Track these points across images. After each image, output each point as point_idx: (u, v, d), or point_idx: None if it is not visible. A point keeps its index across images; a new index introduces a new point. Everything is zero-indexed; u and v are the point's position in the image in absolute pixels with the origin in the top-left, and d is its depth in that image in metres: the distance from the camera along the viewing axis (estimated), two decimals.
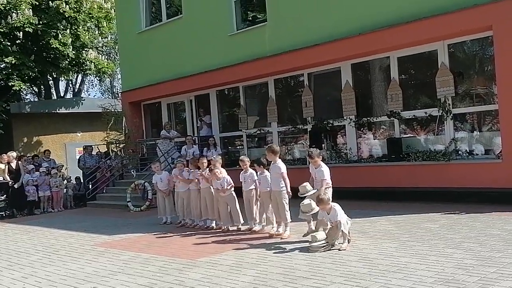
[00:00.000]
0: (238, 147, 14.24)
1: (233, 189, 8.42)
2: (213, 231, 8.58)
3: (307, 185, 7.08)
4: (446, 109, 9.57)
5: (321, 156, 7.30)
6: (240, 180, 8.23)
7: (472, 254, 5.51)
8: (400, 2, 9.91)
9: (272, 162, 7.55)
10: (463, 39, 9.43)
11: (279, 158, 7.65)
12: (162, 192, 10.02)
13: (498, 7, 8.48)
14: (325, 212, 6.51)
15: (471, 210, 8.19)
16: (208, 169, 8.75)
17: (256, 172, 7.97)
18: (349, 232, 6.50)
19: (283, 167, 7.43)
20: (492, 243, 5.91)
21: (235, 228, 8.34)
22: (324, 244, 6.27)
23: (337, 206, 6.47)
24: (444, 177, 9.33)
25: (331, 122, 11.53)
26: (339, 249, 6.21)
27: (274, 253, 6.44)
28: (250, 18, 13.80)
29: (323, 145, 11.61)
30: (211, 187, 8.67)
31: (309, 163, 7.43)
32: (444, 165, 9.38)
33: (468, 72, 9.80)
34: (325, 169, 7.05)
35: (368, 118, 10.97)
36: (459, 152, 9.51)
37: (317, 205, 6.60)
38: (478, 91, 9.59)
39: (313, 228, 6.84)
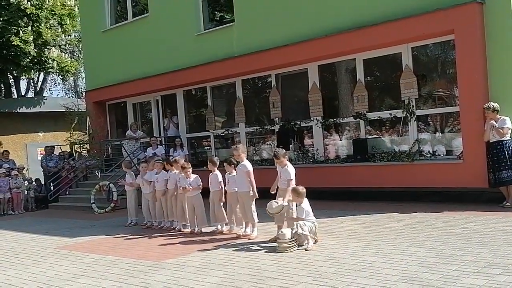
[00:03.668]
0: (205, 147, 14.15)
1: (200, 190, 8.37)
2: (179, 232, 8.49)
3: (273, 203, 6.85)
4: (410, 111, 9.77)
5: (287, 156, 7.35)
6: (209, 182, 8.21)
7: (434, 252, 5.64)
8: (366, 5, 10.06)
9: (240, 162, 7.54)
10: (426, 43, 9.65)
11: (246, 158, 7.64)
12: (128, 185, 9.91)
13: (459, 11, 8.72)
14: (295, 205, 6.62)
15: (433, 210, 8.39)
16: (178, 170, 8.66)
17: (225, 172, 7.94)
18: (316, 233, 6.57)
19: (249, 166, 7.42)
20: (454, 242, 6.07)
21: (201, 230, 8.28)
22: (292, 244, 6.30)
23: (306, 203, 6.59)
24: (408, 177, 9.52)
25: (298, 123, 11.61)
26: (305, 249, 6.25)
27: (241, 254, 6.42)
28: (218, 18, 13.75)
29: (290, 145, 11.67)
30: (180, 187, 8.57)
31: (276, 163, 7.46)
32: (408, 165, 9.58)
33: (431, 74, 10.04)
34: (291, 169, 7.10)
35: (335, 119, 11.09)
36: (422, 153, 9.73)
37: (292, 196, 6.70)
38: (441, 94, 9.84)
39: (283, 232, 6.82)
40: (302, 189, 6.65)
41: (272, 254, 6.20)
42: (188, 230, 8.45)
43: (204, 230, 8.26)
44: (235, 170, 7.69)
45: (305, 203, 6.62)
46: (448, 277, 4.65)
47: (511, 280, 4.41)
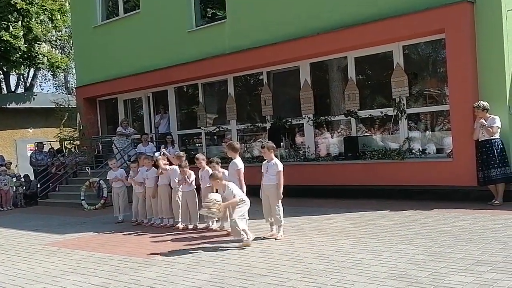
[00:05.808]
0: (196, 145, 14.12)
1: (195, 186, 8.37)
2: (170, 229, 8.47)
3: (211, 196, 6.76)
4: (401, 109, 9.82)
5: (273, 150, 7.34)
6: (200, 178, 8.20)
7: (423, 249, 5.67)
8: (358, 4, 10.08)
9: (232, 159, 7.53)
10: (417, 41, 9.69)
11: (239, 156, 7.62)
12: (122, 180, 9.86)
13: (450, 10, 8.76)
14: (222, 191, 6.71)
15: (423, 207, 8.44)
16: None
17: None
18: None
19: (240, 164, 7.40)
20: (443, 239, 6.11)
21: (196, 225, 8.27)
22: (214, 208, 6.46)
23: (231, 184, 6.68)
24: (398, 175, 9.57)
25: (290, 120, 11.61)
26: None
27: (231, 251, 6.42)
28: (210, 15, 13.71)
29: (281, 143, 11.67)
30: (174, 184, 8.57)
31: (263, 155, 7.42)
32: (398, 163, 9.62)
33: (421, 73, 10.09)
34: (279, 162, 7.12)
35: (326, 117, 11.11)
36: (413, 151, 9.78)
37: (210, 180, 6.91)
38: (431, 92, 9.89)
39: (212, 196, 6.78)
40: (218, 172, 6.82)
41: (262, 251, 6.20)
42: (180, 226, 8.43)
43: (194, 226, 8.25)
44: (221, 168, 7.76)
45: (229, 183, 6.65)
46: (436, 274, 4.68)
47: (499, 278, 4.45)
